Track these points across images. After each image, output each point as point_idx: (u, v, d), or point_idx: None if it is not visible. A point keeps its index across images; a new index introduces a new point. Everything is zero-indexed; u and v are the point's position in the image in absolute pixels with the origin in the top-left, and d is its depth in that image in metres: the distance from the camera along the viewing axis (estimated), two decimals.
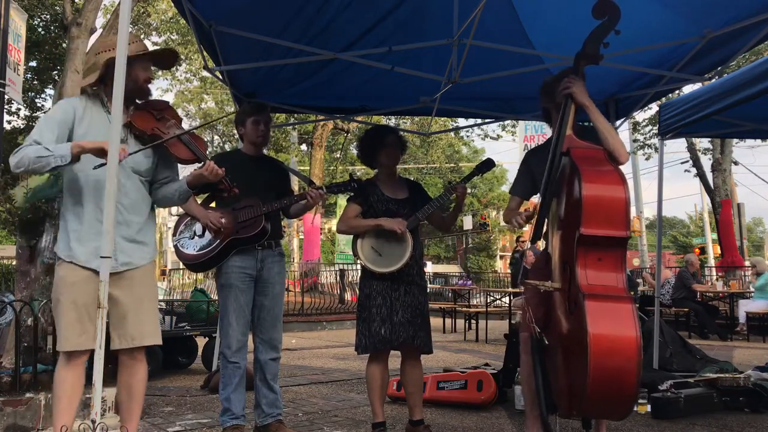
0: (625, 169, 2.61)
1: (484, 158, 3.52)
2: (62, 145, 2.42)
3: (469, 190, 3.54)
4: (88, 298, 2.44)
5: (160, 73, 19.20)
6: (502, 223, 37.01)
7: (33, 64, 15.81)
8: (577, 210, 2.37)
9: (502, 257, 43.40)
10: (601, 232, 2.34)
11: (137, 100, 2.66)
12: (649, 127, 18.63)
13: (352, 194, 3.41)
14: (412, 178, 3.87)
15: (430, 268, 29.10)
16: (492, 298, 11.51)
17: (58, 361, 2.51)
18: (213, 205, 3.38)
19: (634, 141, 18.90)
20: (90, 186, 2.52)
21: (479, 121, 10.09)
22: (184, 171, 2.88)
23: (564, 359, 2.45)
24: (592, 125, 2.71)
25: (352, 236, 3.36)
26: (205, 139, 27.33)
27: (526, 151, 3.53)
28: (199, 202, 3.36)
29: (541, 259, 2.90)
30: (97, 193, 2.50)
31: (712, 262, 20.37)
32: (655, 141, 17.20)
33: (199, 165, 2.68)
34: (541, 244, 2.97)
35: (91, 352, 2.43)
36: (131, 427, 2.58)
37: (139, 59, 2.56)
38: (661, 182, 5.50)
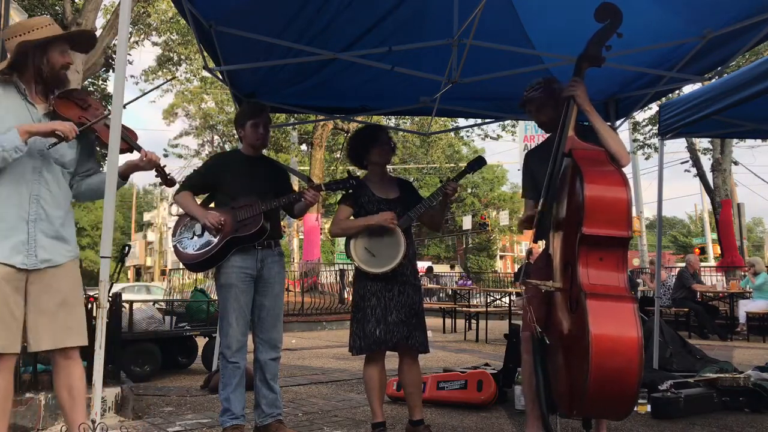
0: (625, 169, 2.62)
1: (486, 159, 3.51)
2: (8, 137, 2.27)
3: (469, 190, 3.55)
4: (8, 297, 2.32)
5: (160, 72, 19.24)
6: (503, 223, 37.09)
7: None
8: (579, 210, 2.38)
9: (502, 257, 43.44)
10: (603, 232, 2.35)
11: (55, 89, 2.53)
12: (649, 127, 18.64)
13: (344, 195, 3.40)
14: (412, 179, 3.87)
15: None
16: (492, 298, 11.50)
17: None
18: (212, 205, 3.39)
19: (634, 141, 18.92)
20: (10, 178, 2.37)
21: (479, 121, 10.10)
22: None
23: (565, 359, 2.45)
24: (586, 125, 2.72)
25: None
26: (205, 139, 27.49)
27: (526, 151, 3.53)
28: (198, 202, 3.37)
29: (542, 259, 2.90)
30: (17, 186, 2.37)
31: (712, 262, 20.38)
32: (655, 141, 17.21)
33: (132, 155, 2.61)
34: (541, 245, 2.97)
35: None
36: (80, 426, 2.45)
37: (55, 43, 2.45)
38: (661, 182, 5.50)
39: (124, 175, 2.59)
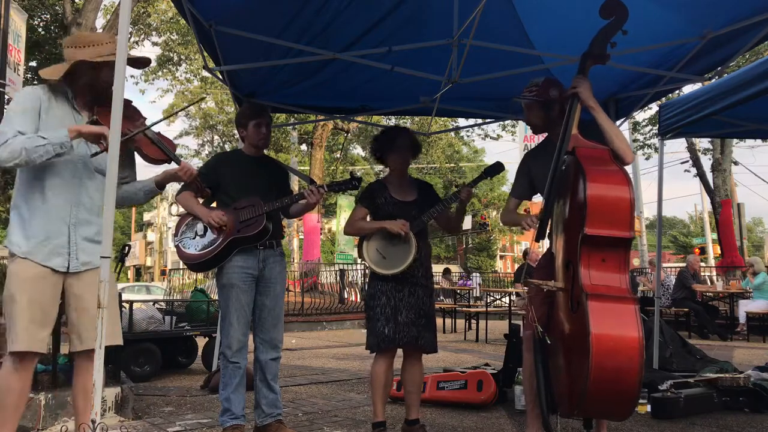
0: (626, 168, 2.61)
1: (486, 159, 3.54)
2: (56, 132, 2.33)
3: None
4: (44, 297, 2.37)
5: (160, 73, 19.24)
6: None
7: (33, 64, 15.80)
8: (581, 210, 2.37)
9: (502, 257, 43.43)
10: (605, 232, 2.34)
11: (102, 100, 2.57)
12: (649, 127, 18.65)
13: (358, 195, 3.43)
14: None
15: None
16: (492, 298, 11.50)
17: (5, 366, 2.38)
18: (214, 204, 3.39)
19: (634, 141, 18.93)
20: (53, 184, 2.43)
21: (479, 121, 10.10)
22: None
23: (566, 359, 2.45)
24: (591, 120, 2.70)
25: (357, 238, 3.38)
26: (205, 139, 27.49)
27: (525, 151, 3.52)
28: (200, 202, 3.37)
29: (545, 258, 2.90)
30: (59, 191, 2.43)
31: (712, 262, 20.38)
32: (655, 141, 17.22)
33: (169, 165, 2.71)
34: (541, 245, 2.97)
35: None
36: (80, 426, 2.47)
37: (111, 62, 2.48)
38: (661, 182, 5.50)
39: (161, 184, 2.69)
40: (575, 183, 2.47)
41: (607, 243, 2.36)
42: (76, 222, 2.46)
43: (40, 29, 15.34)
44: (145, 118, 2.67)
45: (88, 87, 2.52)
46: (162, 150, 2.63)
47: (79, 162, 2.47)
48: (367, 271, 10.05)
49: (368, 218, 3.39)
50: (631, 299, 2.30)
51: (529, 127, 3.20)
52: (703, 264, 15.56)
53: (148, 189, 2.69)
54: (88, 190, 2.51)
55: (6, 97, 7.31)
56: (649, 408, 4.00)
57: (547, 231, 2.79)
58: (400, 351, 3.35)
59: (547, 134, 3.07)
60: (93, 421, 2.30)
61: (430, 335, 3.29)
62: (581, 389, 2.22)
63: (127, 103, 2.64)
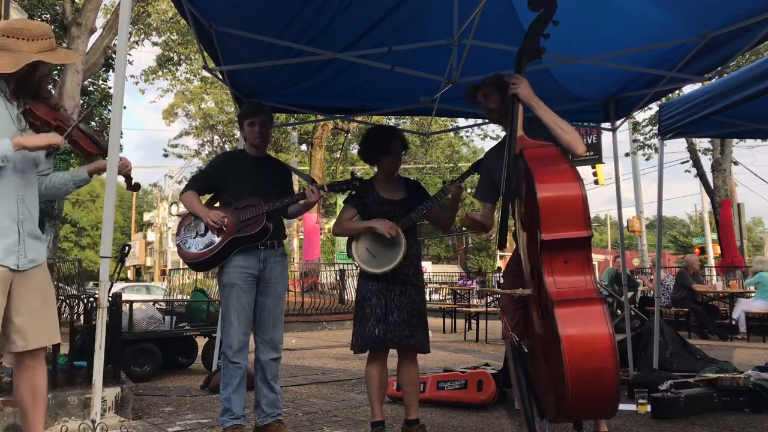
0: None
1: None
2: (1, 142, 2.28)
3: (468, 190, 3.51)
4: (3, 300, 2.32)
5: (160, 73, 19.24)
6: None
7: None
8: (536, 214, 2.32)
9: (502, 257, 43.43)
10: (562, 234, 2.28)
11: (27, 93, 2.53)
12: (649, 127, 18.64)
13: (350, 195, 3.42)
14: (412, 179, 3.87)
15: (430, 268, 29.05)
16: (492, 298, 11.49)
17: None
18: (217, 205, 3.40)
19: (634, 141, 18.92)
20: (2, 177, 2.36)
21: (479, 121, 10.09)
22: None
23: (545, 364, 2.42)
24: (534, 116, 2.65)
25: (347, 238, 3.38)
26: (205, 139, 27.48)
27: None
28: (203, 202, 3.38)
29: (514, 261, 2.87)
30: (4, 188, 2.37)
31: (712, 262, 20.38)
32: (655, 141, 17.22)
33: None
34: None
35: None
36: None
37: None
38: (661, 182, 5.50)
39: (93, 173, 2.66)
40: (527, 186, 2.42)
41: (566, 245, 2.30)
42: (23, 218, 2.41)
43: None
44: (71, 116, 2.67)
45: (23, 78, 2.45)
46: (97, 144, 2.63)
47: (18, 155, 2.39)
48: None
49: (357, 218, 3.38)
50: (598, 299, 2.26)
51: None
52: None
53: (79, 178, 2.65)
54: (28, 184, 2.46)
55: None
56: (649, 408, 4.00)
57: (508, 237, 2.75)
58: (396, 351, 3.35)
59: (504, 135, 3.03)
60: (93, 421, 2.30)
61: (421, 335, 3.27)
62: (561, 393, 2.19)
63: (49, 94, 2.64)
